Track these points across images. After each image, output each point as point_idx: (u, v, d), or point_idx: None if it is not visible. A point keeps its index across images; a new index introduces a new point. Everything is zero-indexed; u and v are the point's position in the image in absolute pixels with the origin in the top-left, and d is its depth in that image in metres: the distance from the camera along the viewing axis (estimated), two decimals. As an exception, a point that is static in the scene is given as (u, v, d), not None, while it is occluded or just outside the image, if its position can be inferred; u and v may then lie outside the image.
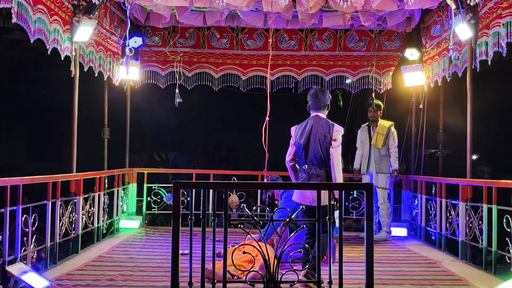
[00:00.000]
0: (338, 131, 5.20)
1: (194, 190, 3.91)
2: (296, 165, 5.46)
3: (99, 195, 7.37)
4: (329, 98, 5.43)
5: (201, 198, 3.72)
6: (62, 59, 6.54)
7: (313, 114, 5.37)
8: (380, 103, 8.24)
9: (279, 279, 3.66)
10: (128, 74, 7.89)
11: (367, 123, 8.30)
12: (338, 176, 5.12)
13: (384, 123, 8.08)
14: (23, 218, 5.18)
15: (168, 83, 9.33)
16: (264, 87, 9.06)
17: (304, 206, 4.42)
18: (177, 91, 8.99)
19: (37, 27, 5.72)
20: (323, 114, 5.36)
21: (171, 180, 10.06)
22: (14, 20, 5.25)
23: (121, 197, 8.49)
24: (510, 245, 5.39)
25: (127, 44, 7.01)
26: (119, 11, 8.11)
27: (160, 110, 12.60)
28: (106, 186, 7.69)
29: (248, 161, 12.99)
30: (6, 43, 10.73)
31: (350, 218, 8.86)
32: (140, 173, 9.20)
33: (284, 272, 3.70)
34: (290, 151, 5.43)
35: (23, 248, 5.22)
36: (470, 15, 6.51)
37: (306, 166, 5.23)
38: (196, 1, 7.15)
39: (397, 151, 8.01)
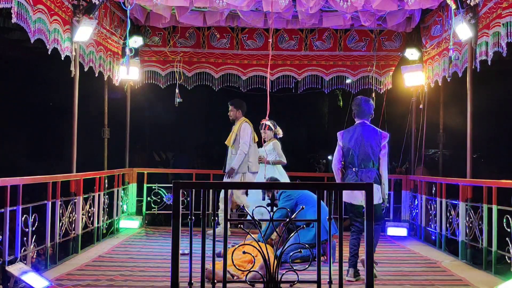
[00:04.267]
0: (385, 138, 5.57)
1: (194, 190, 3.90)
2: (343, 169, 5.71)
3: (99, 195, 7.37)
4: (373, 107, 5.73)
5: (201, 198, 3.73)
6: (62, 59, 6.54)
7: (359, 121, 5.66)
8: None
9: (279, 279, 3.66)
10: (128, 74, 7.88)
11: None
12: (385, 180, 5.59)
13: None
14: (23, 218, 5.18)
15: (168, 83, 9.33)
16: (264, 87, 9.06)
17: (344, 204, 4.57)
18: (177, 91, 8.99)
19: (37, 27, 5.72)
20: (368, 122, 5.66)
21: (171, 180, 10.04)
22: (14, 20, 5.25)
23: (121, 197, 8.49)
24: (510, 245, 5.40)
25: (127, 44, 7.01)
26: (119, 11, 8.11)
27: (160, 110, 12.60)
28: (106, 186, 7.70)
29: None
30: (6, 43, 10.74)
31: (350, 218, 8.85)
32: (140, 173, 9.20)
33: (284, 272, 3.70)
34: (339, 156, 5.66)
35: (23, 248, 5.22)
36: (470, 15, 6.51)
37: (356, 169, 5.51)
38: (196, 1, 7.15)
39: None
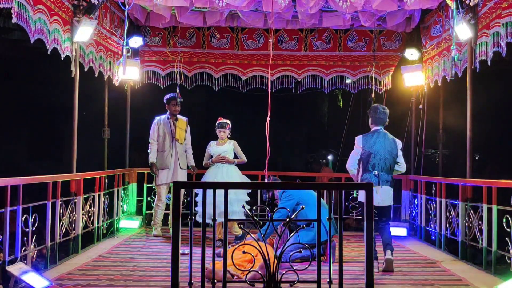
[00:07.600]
0: (400, 145, 6.08)
1: (194, 190, 3.91)
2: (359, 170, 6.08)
3: (99, 195, 7.37)
4: (388, 115, 6.11)
5: (201, 198, 3.73)
6: (62, 59, 6.54)
7: (376, 128, 6.06)
8: None
9: (279, 279, 3.66)
10: (124, 74, 7.83)
11: None
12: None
13: None
14: (23, 218, 5.19)
15: (168, 83, 9.34)
16: (264, 87, 9.07)
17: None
18: (177, 91, 8.99)
19: (37, 27, 5.72)
20: (383, 129, 6.07)
21: (171, 180, 10.03)
22: (14, 20, 5.26)
23: (121, 197, 8.49)
24: (510, 245, 5.40)
25: (124, 43, 7.02)
26: (119, 11, 8.11)
27: (160, 110, 12.58)
28: (106, 186, 7.70)
29: (248, 161, 13.04)
30: (6, 43, 10.75)
31: (350, 218, 8.87)
32: (140, 173, 9.20)
33: (284, 272, 3.71)
34: (356, 159, 6.00)
35: (23, 248, 5.23)
36: (470, 15, 6.52)
37: (376, 172, 5.90)
38: (196, 1, 7.15)
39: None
